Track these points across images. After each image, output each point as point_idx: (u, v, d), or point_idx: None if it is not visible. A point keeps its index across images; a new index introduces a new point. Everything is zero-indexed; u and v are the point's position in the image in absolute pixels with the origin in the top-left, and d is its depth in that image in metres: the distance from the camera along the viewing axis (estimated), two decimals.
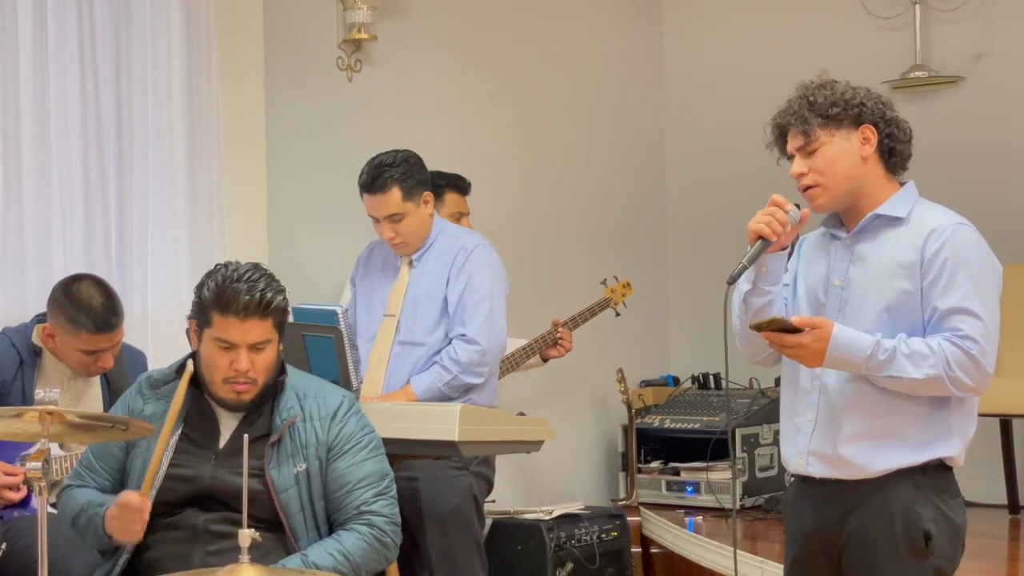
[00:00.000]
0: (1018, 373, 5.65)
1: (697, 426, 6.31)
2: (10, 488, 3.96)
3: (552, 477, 6.37)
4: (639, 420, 6.36)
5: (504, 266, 4.68)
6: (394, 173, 4.48)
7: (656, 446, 6.47)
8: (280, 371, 3.53)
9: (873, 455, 3.07)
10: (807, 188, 3.13)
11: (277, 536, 3.40)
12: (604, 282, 5.88)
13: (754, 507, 6.10)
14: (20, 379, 4.10)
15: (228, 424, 3.51)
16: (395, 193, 4.48)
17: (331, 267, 5.53)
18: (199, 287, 3.46)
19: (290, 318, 3.68)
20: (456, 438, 3.87)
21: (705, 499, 6.14)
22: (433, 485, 4.44)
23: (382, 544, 3.46)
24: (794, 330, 3.01)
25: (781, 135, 3.18)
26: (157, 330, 4.88)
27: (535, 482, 6.30)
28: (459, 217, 5.19)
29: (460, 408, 3.92)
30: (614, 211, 6.92)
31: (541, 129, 6.58)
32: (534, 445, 4.23)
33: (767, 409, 6.19)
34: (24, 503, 4.01)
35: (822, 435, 3.13)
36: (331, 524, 3.49)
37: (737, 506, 6.06)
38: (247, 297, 3.38)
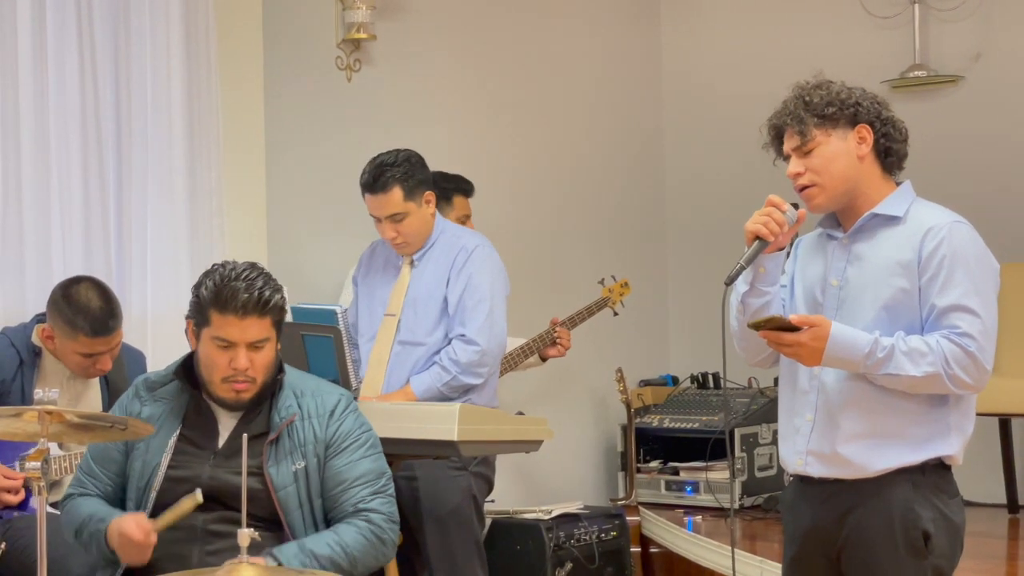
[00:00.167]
0: (1017, 372, 5.65)
1: (696, 426, 6.31)
2: (8, 491, 3.96)
3: (551, 477, 6.37)
4: (638, 420, 6.36)
5: (505, 266, 4.67)
6: (395, 173, 4.47)
7: (655, 446, 6.47)
8: (278, 370, 3.53)
9: (872, 454, 3.08)
10: (804, 188, 3.13)
11: (275, 535, 3.40)
12: (602, 281, 5.89)
13: (753, 507, 6.10)
14: (19, 379, 4.10)
15: (226, 423, 3.52)
16: (396, 193, 4.48)
17: (330, 267, 5.53)
18: (197, 286, 3.47)
19: (288, 317, 3.68)
20: (455, 438, 3.87)
21: (704, 499, 6.14)
22: (432, 485, 4.44)
23: (380, 540, 3.46)
24: (792, 329, 3.01)
25: (777, 135, 3.18)
26: (156, 330, 4.88)
27: (534, 482, 6.30)
28: (465, 219, 5.19)
29: (459, 408, 3.92)
30: (613, 210, 6.93)
31: (540, 128, 6.58)
32: (533, 445, 4.23)
33: (766, 408, 6.19)
34: (23, 504, 4.01)
35: (821, 434, 3.13)
36: (328, 522, 3.49)
37: (736, 505, 6.07)
38: (245, 296, 3.38)
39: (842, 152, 3.11)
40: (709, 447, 6.12)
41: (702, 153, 7.09)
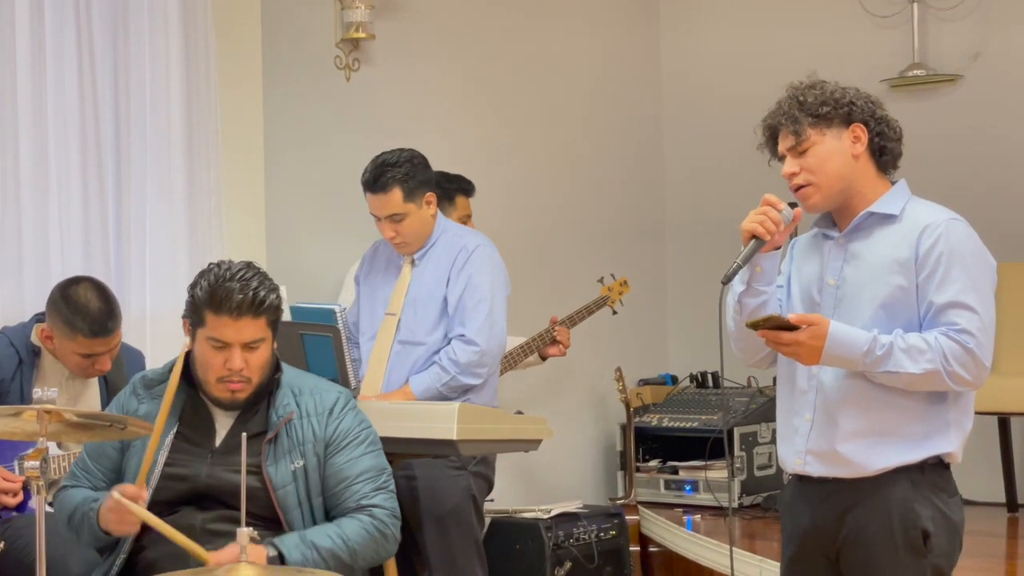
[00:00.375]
0: (1016, 371, 5.66)
1: (695, 425, 6.31)
2: (7, 493, 3.95)
3: (550, 476, 6.37)
4: (637, 419, 6.36)
5: (506, 266, 4.67)
6: (396, 173, 4.47)
7: (654, 445, 6.47)
8: (275, 369, 3.53)
9: (871, 453, 3.07)
10: (799, 188, 3.14)
11: (274, 533, 3.39)
12: (601, 280, 5.89)
13: (752, 505, 6.10)
14: (19, 378, 4.10)
15: (224, 422, 3.51)
16: (396, 194, 4.47)
17: (329, 266, 5.53)
18: (192, 286, 3.47)
19: (284, 316, 3.67)
20: (454, 437, 3.87)
21: (703, 498, 6.14)
22: (432, 485, 4.44)
23: (382, 535, 3.46)
24: (791, 328, 3.01)
25: (772, 136, 3.18)
26: (155, 329, 4.88)
27: (533, 481, 6.31)
28: (467, 219, 5.19)
29: (458, 407, 3.92)
30: (612, 209, 6.93)
31: (539, 128, 6.58)
32: (532, 444, 4.23)
33: (765, 407, 6.19)
34: (21, 506, 4.01)
35: (819, 433, 3.13)
36: (329, 520, 3.49)
37: (736, 504, 6.07)
38: (240, 296, 3.38)
39: (837, 151, 3.12)
40: (708, 446, 6.12)
41: (701, 152, 7.09)
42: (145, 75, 4.92)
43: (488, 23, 6.37)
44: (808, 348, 3.01)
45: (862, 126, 3.12)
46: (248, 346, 3.42)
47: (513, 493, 5.95)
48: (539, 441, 4.23)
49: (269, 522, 3.40)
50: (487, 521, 5.08)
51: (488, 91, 6.35)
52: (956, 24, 6.51)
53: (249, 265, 3.48)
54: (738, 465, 6.12)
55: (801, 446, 3.16)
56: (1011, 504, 5.93)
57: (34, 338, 4.16)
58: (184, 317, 3.52)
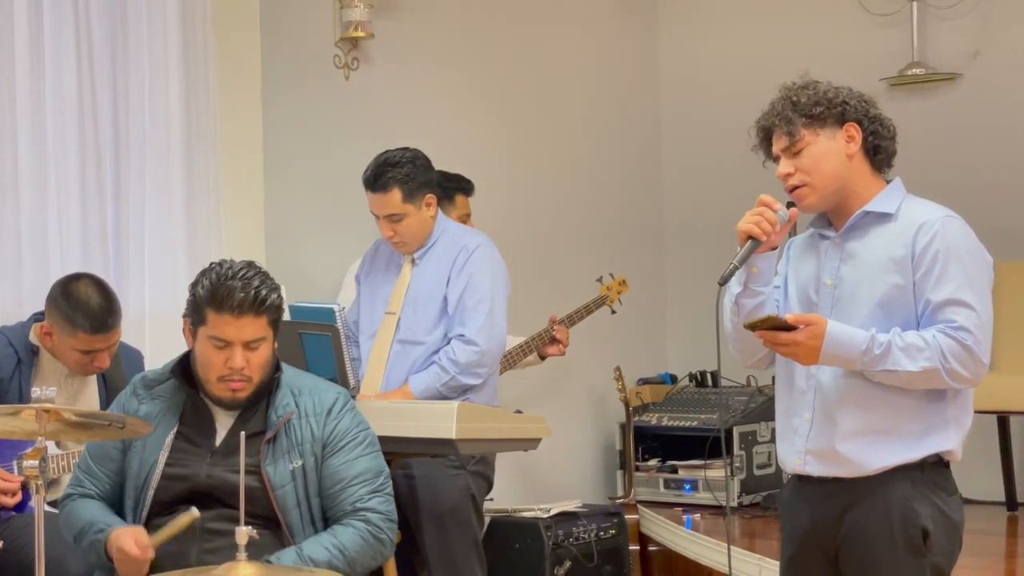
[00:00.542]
0: (1016, 370, 5.66)
1: (695, 424, 6.31)
2: (5, 493, 3.95)
3: (550, 475, 6.37)
4: (637, 418, 6.36)
5: (506, 266, 4.67)
6: (397, 174, 4.46)
7: (654, 444, 6.47)
8: (275, 368, 3.53)
9: (870, 452, 3.07)
10: (794, 188, 3.14)
11: (273, 533, 3.40)
12: (600, 279, 5.89)
13: (752, 504, 6.10)
14: (17, 377, 4.10)
15: (224, 422, 3.51)
16: (396, 194, 4.46)
17: (328, 265, 5.53)
18: (193, 285, 3.47)
19: (285, 316, 3.67)
20: (453, 436, 3.87)
21: (703, 496, 6.14)
22: (431, 484, 4.44)
23: (378, 540, 3.46)
24: (788, 328, 3.01)
25: (766, 137, 3.18)
26: (154, 329, 4.88)
27: (533, 480, 6.30)
28: (466, 218, 5.19)
29: (457, 406, 3.92)
30: (611, 209, 6.93)
31: (538, 127, 6.58)
32: (531, 443, 4.23)
33: (764, 406, 6.18)
34: (20, 506, 4.00)
35: (819, 433, 3.13)
36: (327, 521, 3.49)
37: (735, 503, 6.07)
38: (241, 295, 3.38)
39: (831, 151, 3.12)
40: (707, 445, 6.12)
41: (699, 151, 7.09)
42: (144, 74, 4.92)
43: (487, 23, 6.36)
44: (806, 348, 3.01)
45: (856, 125, 3.12)
46: (249, 345, 3.42)
47: (512, 492, 5.95)
48: (538, 440, 4.23)
49: (268, 522, 3.40)
50: (486, 520, 5.08)
51: (487, 90, 6.35)
52: (955, 23, 6.51)
53: (251, 264, 3.48)
54: (737, 464, 6.12)
55: (801, 446, 3.16)
56: (1010, 503, 5.93)
57: (32, 337, 4.16)
58: (185, 316, 3.52)
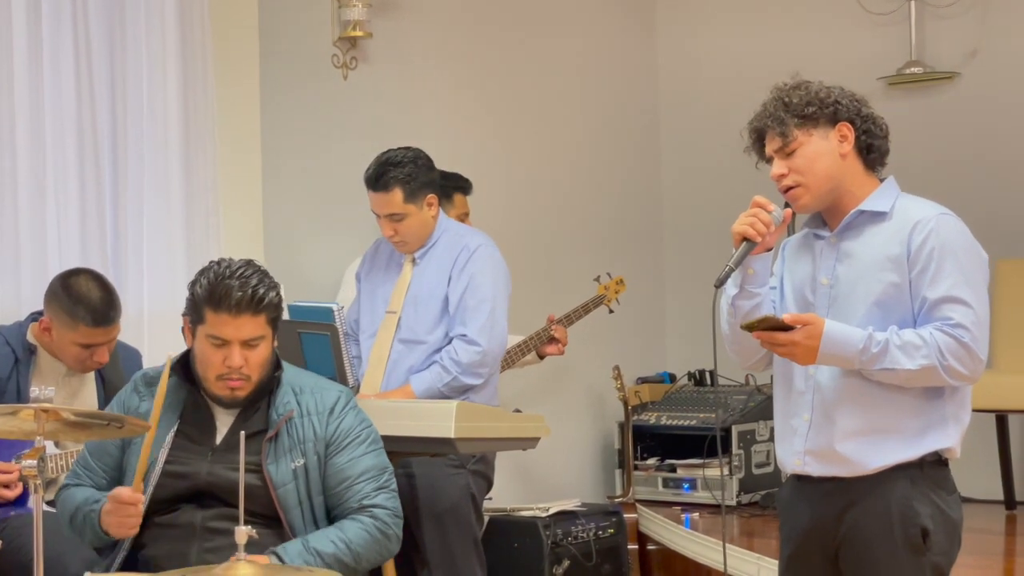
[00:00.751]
0: (1014, 369, 5.66)
1: (693, 423, 6.31)
2: (4, 486, 3.95)
3: (548, 474, 6.37)
4: (635, 417, 6.36)
5: (507, 266, 4.66)
6: (398, 174, 4.46)
7: (652, 443, 6.47)
8: (275, 367, 3.53)
9: (869, 451, 3.07)
10: (788, 189, 3.14)
11: (275, 532, 3.40)
12: (598, 279, 5.89)
13: (751, 503, 6.10)
14: (15, 377, 4.10)
15: (224, 420, 3.51)
16: (397, 194, 4.46)
17: (327, 264, 5.53)
18: (192, 284, 3.47)
19: (284, 315, 3.67)
20: (452, 435, 3.87)
21: (702, 495, 6.14)
22: (430, 483, 4.44)
23: (384, 535, 3.46)
24: (786, 328, 3.01)
25: (759, 139, 3.19)
26: (153, 328, 4.88)
27: (532, 479, 6.30)
28: (464, 217, 5.20)
29: (456, 405, 3.92)
30: (610, 208, 6.93)
31: (536, 126, 6.58)
32: (530, 442, 4.23)
33: (763, 405, 6.18)
34: (21, 501, 4.01)
35: (818, 433, 3.13)
36: (331, 519, 3.49)
37: (734, 502, 6.07)
38: (239, 293, 3.38)
39: (824, 151, 3.12)
40: (706, 444, 6.12)
41: (698, 150, 7.09)
42: (142, 73, 4.92)
43: (486, 22, 6.36)
44: (804, 348, 3.01)
45: (848, 125, 3.12)
46: (247, 344, 3.42)
47: (511, 491, 5.95)
48: (537, 439, 4.23)
49: (269, 520, 3.40)
50: (485, 519, 5.09)
51: (485, 90, 6.35)
52: (953, 22, 6.51)
53: (249, 263, 3.48)
54: (736, 463, 6.12)
55: (800, 447, 3.16)
56: (1009, 501, 5.93)
57: (30, 336, 4.16)
58: (184, 315, 3.52)
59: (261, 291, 3.41)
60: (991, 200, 6.10)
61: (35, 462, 2.90)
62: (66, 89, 4.71)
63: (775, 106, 3.14)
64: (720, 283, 3.12)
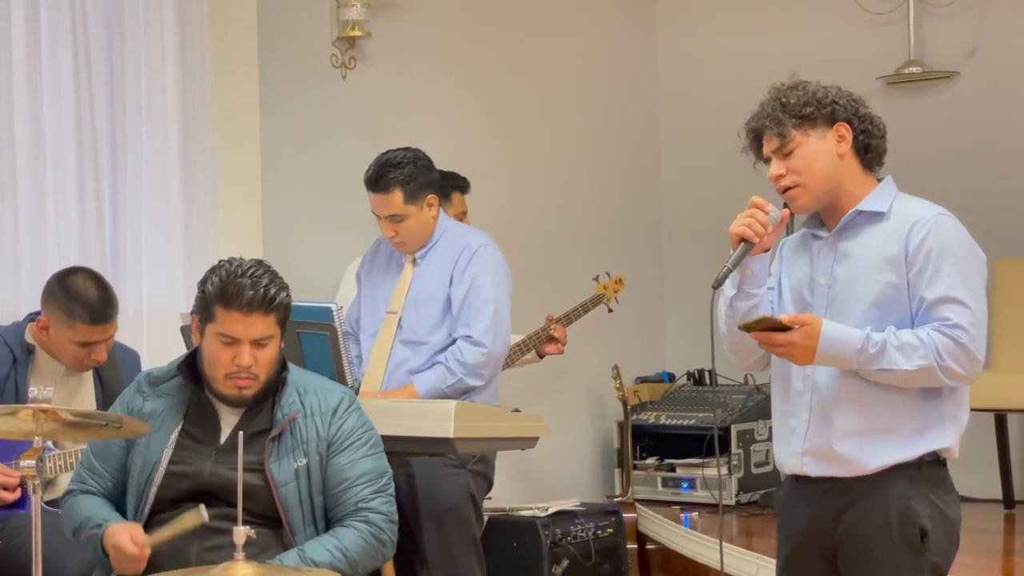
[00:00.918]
0: (1013, 368, 5.66)
1: (692, 422, 6.31)
2: (5, 489, 3.95)
3: (548, 474, 6.37)
4: (634, 416, 6.36)
5: (508, 266, 4.66)
6: (398, 175, 4.46)
7: (651, 442, 6.47)
8: (282, 367, 3.54)
9: (868, 451, 3.08)
10: (786, 189, 3.14)
11: (274, 532, 3.40)
12: (597, 278, 5.89)
13: (750, 503, 6.10)
14: (13, 377, 4.09)
15: (229, 420, 3.51)
16: (397, 195, 4.46)
17: (326, 264, 5.53)
18: (203, 282, 3.47)
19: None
20: (451, 435, 3.86)
21: (701, 495, 6.15)
22: (430, 483, 4.44)
23: (379, 541, 3.46)
24: (783, 328, 3.01)
25: (756, 139, 3.18)
26: (151, 328, 4.87)
27: (531, 479, 6.30)
28: (462, 216, 5.20)
29: (455, 405, 3.92)
30: (609, 207, 6.93)
31: (535, 126, 6.58)
32: (529, 442, 4.23)
33: (762, 405, 6.19)
34: (22, 503, 4.00)
35: (816, 433, 3.13)
36: (328, 520, 3.50)
37: (733, 501, 6.07)
38: (251, 292, 3.39)
39: (822, 151, 3.12)
40: (705, 444, 6.12)
41: (697, 149, 7.09)
42: (141, 73, 4.92)
43: (485, 22, 6.36)
44: (801, 348, 3.01)
45: (846, 125, 3.12)
46: (257, 343, 3.42)
47: (510, 491, 5.95)
48: (536, 439, 4.23)
49: (270, 520, 3.40)
50: (484, 519, 5.09)
51: (484, 90, 6.35)
52: (952, 21, 6.51)
53: (260, 263, 3.50)
54: (735, 462, 6.12)
55: (798, 447, 3.16)
56: (1008, 501, 5.93)
57: (28, 336, 4.16)
58: (193, 313, 3.52)
59: (272, 291, 3.42)
60: (990, 200, 6.10)
61: (34, 462, 2.90)
62: (65, 89, 4.70)
63: (772, 106, 3.13)
64: (718, 284, 3.12)
